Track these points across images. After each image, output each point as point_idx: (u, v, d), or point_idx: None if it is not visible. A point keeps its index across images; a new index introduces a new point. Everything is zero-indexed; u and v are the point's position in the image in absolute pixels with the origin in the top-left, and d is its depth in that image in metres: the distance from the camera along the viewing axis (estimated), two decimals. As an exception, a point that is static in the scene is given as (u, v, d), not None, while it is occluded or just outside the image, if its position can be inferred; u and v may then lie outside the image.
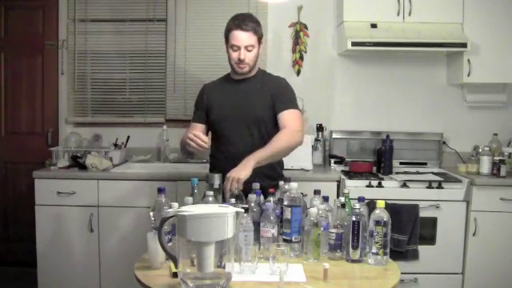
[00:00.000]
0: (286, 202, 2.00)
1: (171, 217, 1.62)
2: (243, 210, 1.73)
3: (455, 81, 3.66)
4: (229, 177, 2.14)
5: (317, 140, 3.64)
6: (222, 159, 2.48)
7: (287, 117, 2.41)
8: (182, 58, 3.83)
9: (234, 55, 2.42)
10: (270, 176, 2.41)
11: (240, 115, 2.46)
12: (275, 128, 2.42)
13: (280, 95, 2.46)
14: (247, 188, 2.13)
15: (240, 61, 2.41)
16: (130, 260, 2.02)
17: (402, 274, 1.87)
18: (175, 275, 1.68)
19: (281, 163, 2.61)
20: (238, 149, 2.40)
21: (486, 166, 3.31)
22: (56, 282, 3.24)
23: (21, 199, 3.81)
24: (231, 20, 2.45)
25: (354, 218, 1.92)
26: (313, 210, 1.96)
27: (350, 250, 1.93)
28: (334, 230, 1.95)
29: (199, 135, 2.24)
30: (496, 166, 3.26)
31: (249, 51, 2.41)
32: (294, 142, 2.36)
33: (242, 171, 2.15)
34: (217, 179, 2.17)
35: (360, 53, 3.66)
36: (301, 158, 3.37)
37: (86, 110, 3.90)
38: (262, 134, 2.43)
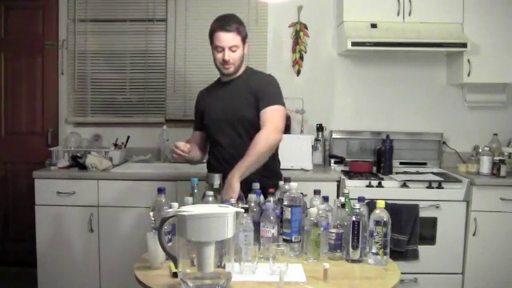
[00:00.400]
0: (285, 202, 2.00)
1: (171, 217, 1.62)
2: (243, 210, 1.73)
3: (455, 81, 3.66)
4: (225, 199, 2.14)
5: (317, 140, 3.64)
6: (216, 162, 2.49)
7: (266, 115, 2.38)
8: (182, 58, 3.83)
9: (219, 56, 2.42)
10: (268, 176, 2.39)
11: (227, 117, 2.46)
12: None
13: (261, 92, 2.43)
14: (247, 188, 2.13)
15: (225, 61, 2.41)
16: (130, 260, 2.02)
17: (402, 274, 1.87)
18: (175, 275, 1.68)
19: (277, 161, 2.59)
20: (229, 151, 2.42)
21: (485, 165, 3.31)
22: (56, 282, 3.24)
23: (21, 199, 3.80)
24: (214, 21, 2.46)
25: (354, 218, 1.92)
26: (313, 210, 1.96)
27: (350, 249, 1.93)
28: (334, 230, 1.95)
29: (178, 145, 2.36)
30: (496, 166, 3.26)
31: (233, 51, 2.40)
32: (272, 143, 2.32)
33: (230, 191, 2.13)
34: (217, 179, 2.17)
35: (360, 53, 3.66)
36: (301, 158, 3.38)
37: (86, 110, 3.90)
38: (250, 134, 2.39)
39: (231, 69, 2.44)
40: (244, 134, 2.43)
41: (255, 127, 2.38)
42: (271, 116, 2.37)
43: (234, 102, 2.46)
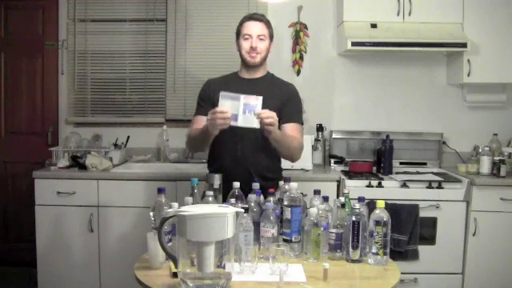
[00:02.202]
0: (285, 202, 2.00)
1: (171, 217, 1.62)
2: (243, 210, 1.73)
3: (455, 81, 3.66)
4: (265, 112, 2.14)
5: (317, 140, 3.64)
6: (226, 159, 2.41)
7: (296, 129, 2.43)
8: (182, 58, 3.82)
9: (246, 44, 2.41)
10: (270, 178, 2.39)
11: None
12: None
13: (291, 103, 2.46)
14: (247, 188, 2.12)
15: (252, 49, 2.40)
16: (130, 260, 2.02)
17: (402, 274, 1.87)
18: (175, 275, 1.68)
19: (280, 164, 2.59)
20: (243, 149, 2.38)
21: (485, 166, 3.31)
22: (56, 281, 3.24)
23: (21, 199, 3.80)
24: (244, 16, 2.49)
25: (353, 218, 1.92)
26: (313, 210, 1.96)
27: (350, 249, 1.93)
28: (333, 230, 1.95)
29: (216, 110, 2.15)
30: (496, 166, 3.26)
31: (261, 40, 2.41)
32: (297, 156, 2.44)
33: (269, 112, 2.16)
34: (217, 179, 2.17)
35: (360, 53, 3.66)
36: (301, 158, 3.35)
37: (86, 110, 3.90)
38: (265, 136, 2.37)
39: (257, 58, 2.43)
40: (260, 135, 2.31)
41: None
42: (301, 135, 2.46)
43: None
